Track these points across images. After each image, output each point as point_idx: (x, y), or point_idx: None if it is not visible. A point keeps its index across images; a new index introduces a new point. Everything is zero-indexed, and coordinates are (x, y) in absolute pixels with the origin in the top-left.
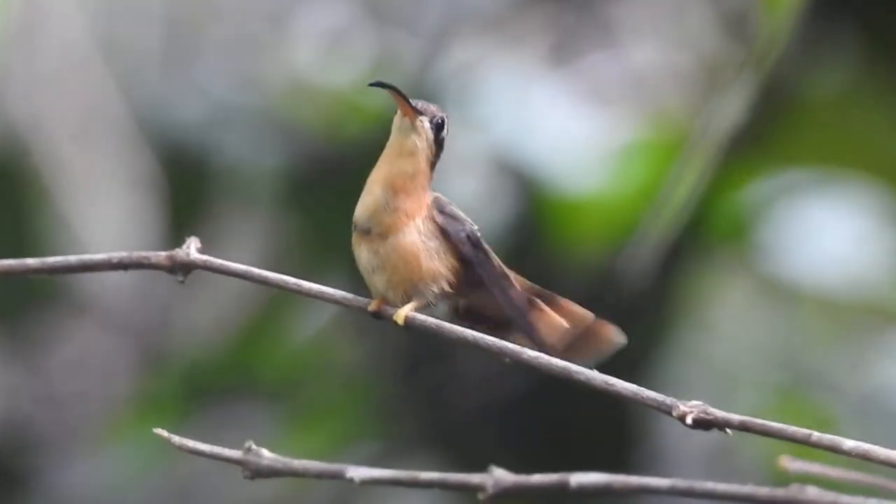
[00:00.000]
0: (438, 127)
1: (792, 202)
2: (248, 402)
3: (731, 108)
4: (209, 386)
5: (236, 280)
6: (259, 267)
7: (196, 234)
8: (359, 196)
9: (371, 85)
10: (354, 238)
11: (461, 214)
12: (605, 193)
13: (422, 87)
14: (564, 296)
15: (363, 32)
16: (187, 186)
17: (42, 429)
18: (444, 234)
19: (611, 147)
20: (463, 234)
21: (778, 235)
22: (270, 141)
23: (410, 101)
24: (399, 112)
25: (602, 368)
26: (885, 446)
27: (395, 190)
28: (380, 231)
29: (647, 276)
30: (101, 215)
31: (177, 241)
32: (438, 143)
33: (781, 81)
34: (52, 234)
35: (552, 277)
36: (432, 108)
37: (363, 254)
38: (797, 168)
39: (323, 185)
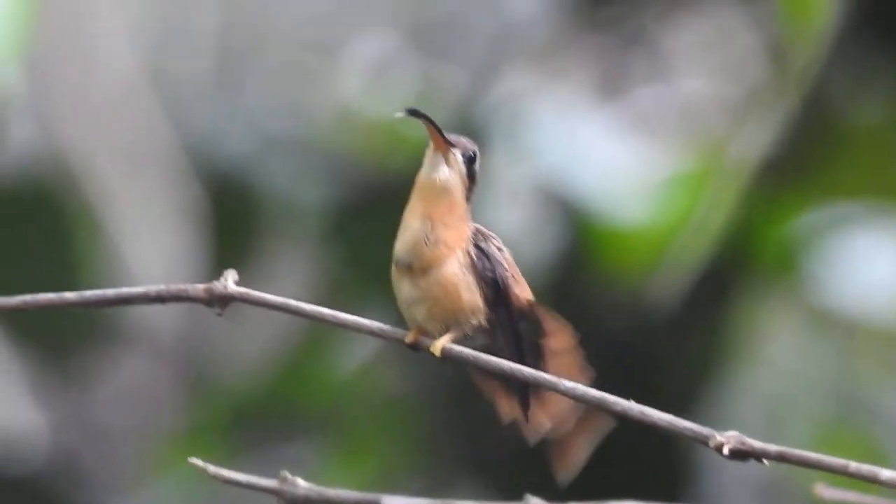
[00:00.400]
0: (470, 160)
1: (841, 233)
2: (293, 433)
3: (764, 135)
4: (254, 418)
5: (280, 313)
6: (305, 299)
7: (242, 265)
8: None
9: (405, 113)
10: (394, 273)
11: (495, 253)
12: (650, 224)
13: (469, 118)
14: (607, 324)
15: (410, 63)
16: (234, 216)
17: (89, 461)
18: (474, 269)
19: (657, 178)
20: (489, 276)
21: (827, 266)
22: (317, 171)
23: (444, 133)
24: (431, 144)
25: (653, 401)
26: None
27: (433, 222)
28: (421, 265)
29: (676, 304)
30: (148, 245)
31: (219, 267)
32: (471, 176)
33: (826, 110)
34: (99, 263)
35: (598, 307)
36: (464, 141)
37: (404, 287)
38: (845, 198)
39: (369, 216)
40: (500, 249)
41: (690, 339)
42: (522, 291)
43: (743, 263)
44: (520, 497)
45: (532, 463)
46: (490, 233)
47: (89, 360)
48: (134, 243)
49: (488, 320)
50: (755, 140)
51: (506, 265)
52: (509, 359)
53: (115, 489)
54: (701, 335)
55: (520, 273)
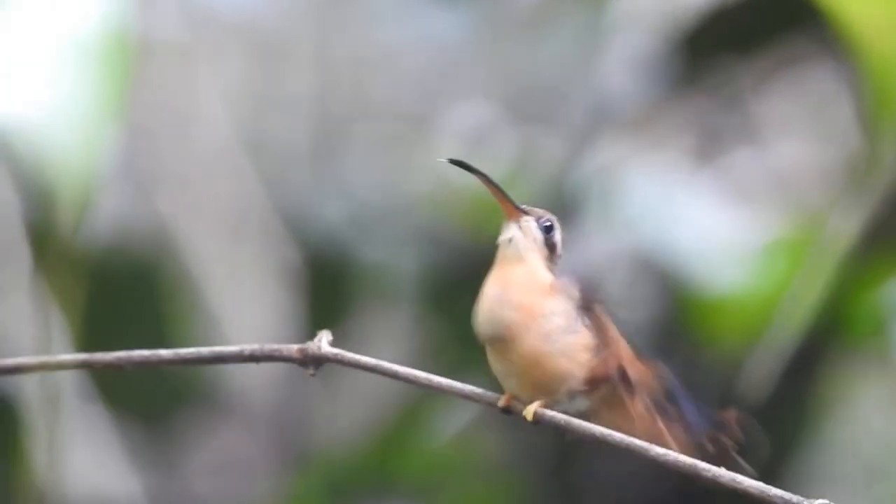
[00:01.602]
0: (547, 228)
1: None
2: (390, 502)
3: (861, 203)
4: (350, 486)
5: (378, 379)
6: (386, 361)
7: (337, 332)
8: None
9: (453, 163)
10: (487, 350)
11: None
12: (747, 292)
13: (564, 188)
14: (708, 394)
15: (505, 133)
16: (330, 283)
17: None
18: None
19: (754, 245)
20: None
21: None
22: (413, 240)
23: (513, 200)
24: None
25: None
26: None
27: (507, 287)
28: (502, 333)
29: (774, 377)
30: (245, 313)
31: (313, 334)
32: (550, 246)
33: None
34: (196, 333)
35: (694, 376)
36: (538, 210)
37: (494, 363)
38: None
39: (465, 285)
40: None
41: (782, 405)
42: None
43: (836, 329)
44: None
45: None
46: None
47: (185, 426)
48: (231, 312)
49: (586, 382)
50: (852, 208)
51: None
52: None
53: None
54: (795, 401)
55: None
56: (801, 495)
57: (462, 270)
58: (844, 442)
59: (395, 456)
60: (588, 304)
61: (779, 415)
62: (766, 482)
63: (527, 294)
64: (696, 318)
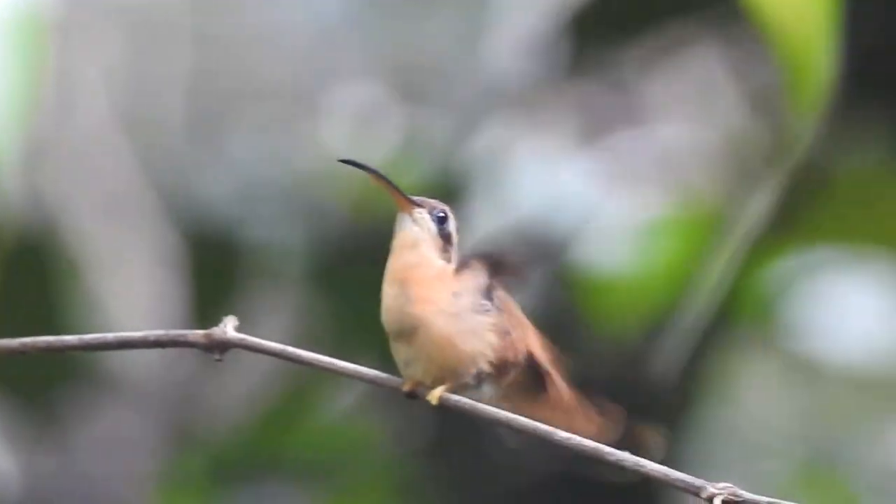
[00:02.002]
0: (440, 220)
1: (818, 280)
2: (277, 481)
3: (762, 199)
4: (237, 465)
5: (265, 358)
6: (289, 346)
7: (223, 311)
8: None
9: (345, 163)
10: (392, 343)
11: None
12: (633, 272)
13: (451, 167)
14: (592, 371)
15: (392, 111)
16: (214, 262)
17: None
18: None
19: (639, 225)
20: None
21: (804, 313)
22: (299, 219)
23: (404, 192)
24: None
25: (631, 446)
26: None
27: (405, 282)
28: (408, 327)
29: (680, 361)
30: (129, 291)
31: (204, 317)
32: (444, 236)
33: (809, 160)
34: (79, 310)
35: (581, 356)
36: (431, 201)
37: (400, 352)
38: (823, 246)
39: (352, 264)
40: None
41: (670, 383)
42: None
43: (723, 310)
44: None
45: None
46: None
47: (69, 406)
48: (114, 289)
49: (493, 365)
50: (737, 189)
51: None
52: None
53: None
54: (679, 379)
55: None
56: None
57: (349, 247)
58: (727, 423)
59: (281, 435)
60: (494, 285)
61: (667, 397)
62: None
63: (426, 288)
64: (583, 297)
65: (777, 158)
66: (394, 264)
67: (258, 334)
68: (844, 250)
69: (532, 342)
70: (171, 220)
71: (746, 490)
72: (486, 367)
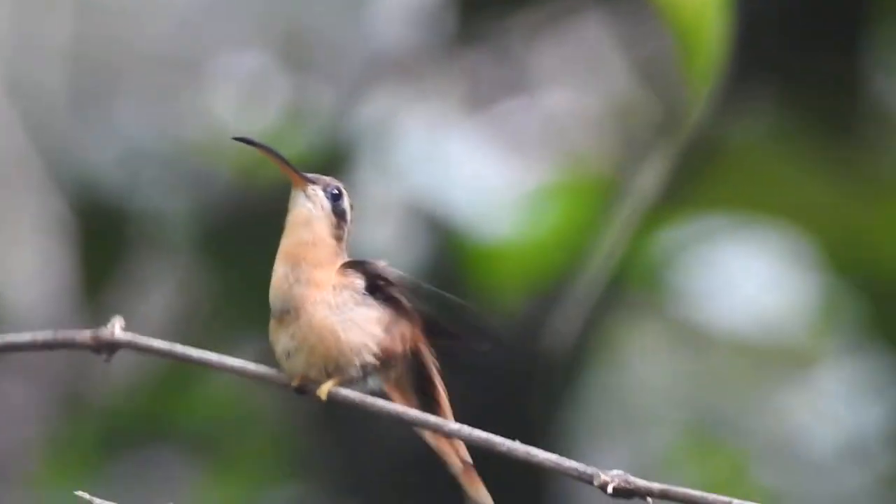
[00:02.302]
0: (334, 196)
1: (706, 247)
2: (168, 449)
3: (654, 168)
4: (127, 433)
5: (156, 329)
6: (176, 316)
7: (109, 278)
8: (273, 243)
9: (238, 140)
10: (272, 325)
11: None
12: (519, 238)
13: (338, 136)
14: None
15: (279, 80)
16: (101, 230)
17: None
18: (363, 302)
19: (525, 193)
20: (394, 275)
21: (692, 281)
22: (185, 187)
23: (297, 169)
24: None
25: (522, 406)
26: (796, 487)
27: (296, 262)
28: (292, 307)
29: (572, 329)
30: (14, 257)
31: (92, 286)
32: (338, 213)
33: (699, 130)
34: None
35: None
36: (326, 178)
37: (280, 339)
38: (711, 214)
39: (238, 232)
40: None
41: (562, 351)
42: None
43: (614, 277)
44: None
45: (404, 483)
46: (366, 259)
47: None
48: (0, 259)
49: (378, 357)
50: (625, 156)
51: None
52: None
53: None
54: (571, 347)
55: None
56: (572, 445)
57: (236, 215)
58: (617, 390)
59: (171, 404)
60: (379, 282)
61: (556, 363)
62: (538, 435)
63: (316, 269)
64: (469, 264)
65: (668, 128)
66: (287, 242)
67: (147, 304)
68: (732, 219)
69: (418, 337)
70: (57, 187)
71: (638, 460)
72: (370, 360)
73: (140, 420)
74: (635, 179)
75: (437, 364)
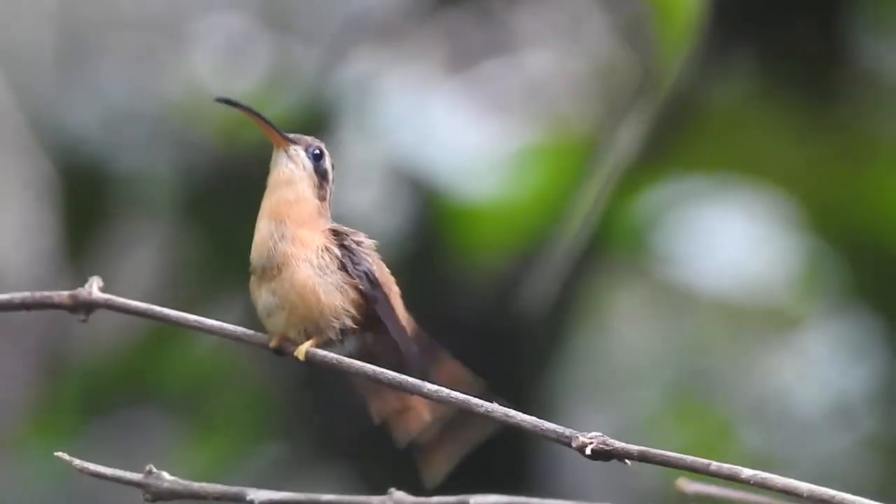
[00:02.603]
0: (316, 156)
1: (688, 209)
2: (150, 410)
3: (633, 128)
4: (109, 395)
5: (140, 291)
6: (159, 278)
7: (93, 239)
8: (256, 204)
9: (222, 101)
10: (252, 282)
11: (359, 250)
12: (501, 199)
13: (320, 98)
14: (461, 300)
15: (260, 42)
16: (84, 193)
17: None
18: (343, 268)
19: (507, 154)
20: (361, 270)
21: (675, 242)
22: (167, 148)
23: (278, 129)
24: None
25: (506, 373)
26: (780, 448)
27: (280, 219)
28: (275, 264)
29: (552, 290)
30: None
31: (75, 248)
32: (321, 173)
33: (679, 93)
34: None
35: (450, 283)
36: (307, 138)
37: (261, 296)
38: (693, 176)
39: (221, 194)
40: (360, 244)
41: (542, 313)
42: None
43: (595, 239)
44: (379, 481)
45: (387, 444)
46: (349, 230)
47: None
48: None
49: (356, 321)
50: (607, 118)
51: (371, 260)
52: (388, 354)
53: None
54: (553, 309)
55: (388, 273)
56: (555, 408)
57: (218, 176)
58: (600, 352)
59: (153, 365)
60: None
61: (537, 325)
62: (522, 397)
63: (300, 228)
64: (451, 226)
65: (647, 89)
66: (270, 200)
67: (129, 265)
68: (715, 181)
69: (395, 301)
70: (41, 147)
71: (621, 422)
72: (349, 323)
73: (122, 382)
74: (615, 140)
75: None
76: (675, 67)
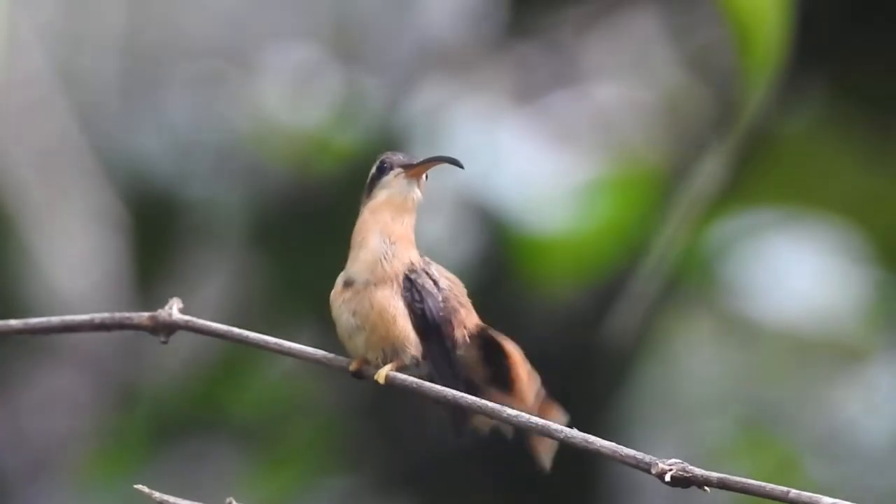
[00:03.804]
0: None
1: (757, 241)
2: (217, 440)
3: (713, 161)
4: (178, 424)
5: (209, 320)
6: (228, 307)
7: (162, 270)
8: (327, 234)
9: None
10: (335, 300)
11: (427, 284)
12: (569, 231)
13: (389, 128)
14: (531, 331)
15: (330, 72)
16: (152, 222)
17: (10, 467)
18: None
19: (575, 185)
20: (419, 307)
21: (743, 273)
22: (237, 178)
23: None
24: (404, 172)
25: (576, 398)
26: (846, 482)
27: (392, 239)
28: (376, 281)
29: (634, 325)
30: (65, 249)
31: (143, 277)
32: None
33: (756, 124)
34: (16, 267)
35: (519, 314)
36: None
37: (342, 315)
38: (763, 207)
39: (290, 224)
40: (435, 280)
41: (611, 344)
42: (469, 317)
43: (663, 271)
44: None
45: (454, 473)
46: (429, 261)
47: (9, 364)
48: (51, 248)
49: (422, 353)
50: (675, 149)
51: (440, 295)
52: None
53: (37, 494)
54: (620, 341)
55: (466, 298)
56: (624, 439)
57: (288, 207)
58: (668, 383)
59: (223, 394)
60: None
61: (608, 357)
62: (592, 429)
63: (405, 252)
64: (519, 257)
65: (723, 121)
66: (384, 218)
67: (200, 295)
68: (783, 212)
69: (469, 324)
70: (108, 177)
71: (687, 452)
72: (415, 352)
73: (189, 411)
74: (691, 173)
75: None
76: (756, 98)
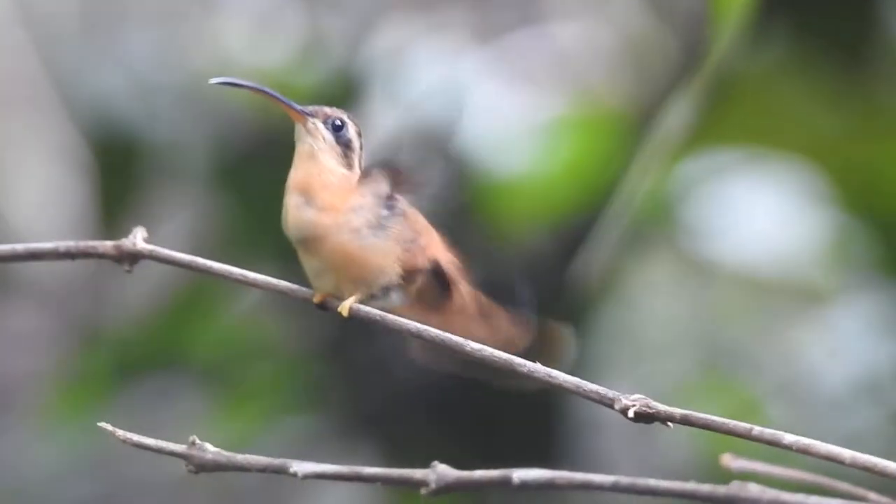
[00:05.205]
0: (336, 127)
1: (719, 182)
2: (180, 379)
3: (680, 103)
4: (140, 363)
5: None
6: (190, 245)
7: (125, 209)
8: (288, 173)
9: (224, 84)
10: (299, 252)
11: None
12: (531, 171)
13: (350, 69)
14: (495, 273)
15: (290, 11)
16: (113, 157)
17: None
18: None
19: (537, 125)
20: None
21: (705, 215)
22: (198, 118)
23: (293, 104)
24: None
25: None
26: (806, 425)
27: (306, 190)
28: (310, 236)
29: (600, 265)
30: (28, 187)
31: (105, 214)
32: (343, 143)
33: (721, 66)
34: None
35: (481, 254)
36: (326, 109)
37: (308, 260)
38: (722, 148)
39: (252, 164)
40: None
41: (568, 284)
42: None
43: (628, 214)
44: (406, 445)
45: (416, 412)
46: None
47: None
48: (12, 184)
49: (404, 274)
50: (637, 90)
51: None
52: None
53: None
54: (577, 281)
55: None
56: (582, 378)
57: (250, 145)
58: (627, 324)
59: (183, 333)
60: (397, 191)
61: (563, 298)
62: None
63: (329, 194)
64: (481, 198)
65: (690, 63)
66: (294, 175)
67: (161, 234)
68: (744, 154)
69: (437, 248)
70: (70, 115)
71: (649, 392)
72: (395, 279)
73: (153, 349)
74: (655, 116)
75: (461, 270)
76: (724, 40)
